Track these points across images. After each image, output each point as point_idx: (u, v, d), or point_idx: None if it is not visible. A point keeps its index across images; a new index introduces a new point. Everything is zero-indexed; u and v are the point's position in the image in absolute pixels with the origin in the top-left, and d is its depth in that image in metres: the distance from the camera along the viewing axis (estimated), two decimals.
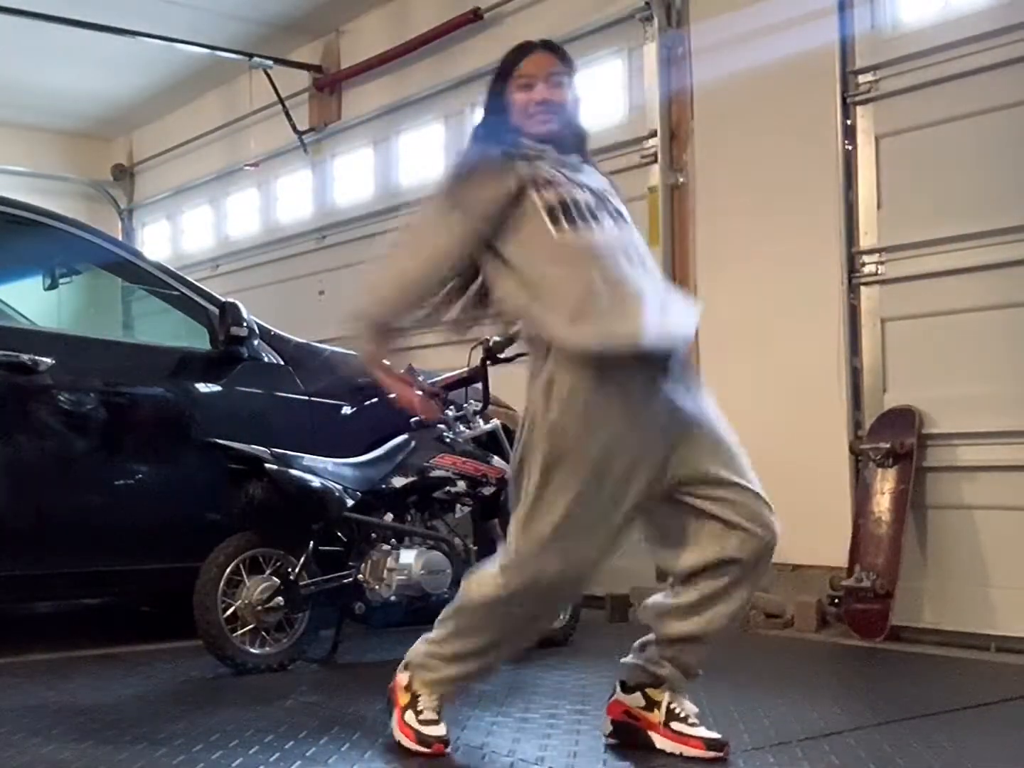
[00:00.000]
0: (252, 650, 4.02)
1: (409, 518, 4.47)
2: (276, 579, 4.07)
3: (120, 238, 8.72)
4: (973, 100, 4.63)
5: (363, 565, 4.27)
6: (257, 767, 2.80)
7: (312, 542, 4.16)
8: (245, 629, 4.01)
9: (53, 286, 5.42)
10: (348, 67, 7.89)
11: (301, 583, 4.09)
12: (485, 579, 2.87)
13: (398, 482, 4.40)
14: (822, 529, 5.06)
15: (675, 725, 2.88)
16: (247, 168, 8.68)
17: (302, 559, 4.11)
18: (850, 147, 5.07)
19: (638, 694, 2.94)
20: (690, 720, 2.89)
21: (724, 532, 2.79)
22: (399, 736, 2.94)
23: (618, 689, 2.99)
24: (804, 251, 5.19)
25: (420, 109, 7.37)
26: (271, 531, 4.14)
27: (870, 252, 5.01)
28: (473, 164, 2.93)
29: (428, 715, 2.92)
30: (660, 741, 2.89)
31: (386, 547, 4.30)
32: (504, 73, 3.00)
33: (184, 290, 4.88)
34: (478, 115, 3.10)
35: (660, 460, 2.77)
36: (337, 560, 4.27)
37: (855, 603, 4.76)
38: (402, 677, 2.99)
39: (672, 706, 2.89)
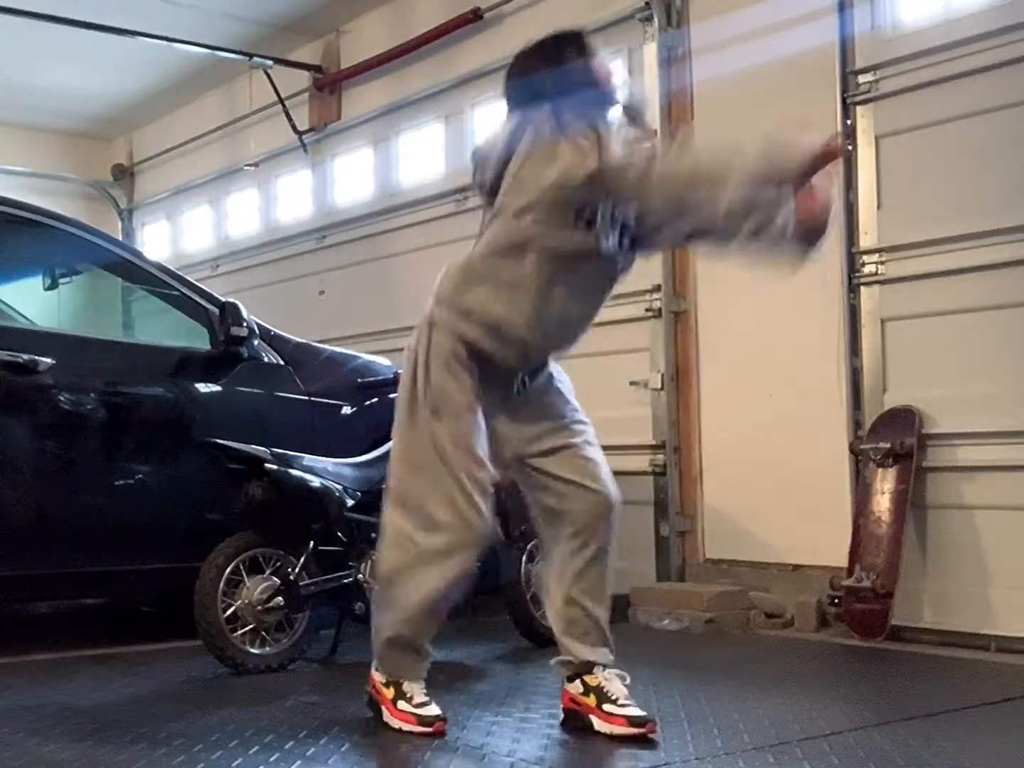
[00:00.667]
0: (252, 650, 4.02)
1: None
2: (276, 579, 4.07)
3: (120, 238, 8.72)
4: (973, 100, 4.63)
5: (363, 565, 4.27)
6: (257, 767, 2.80)
7: (312, 542, 4.16)
8: (245, 629, 4.01)
9: (53, 286, 5.42)
10: (348, 67, 7.89)
11: (301, 583, 4.09)
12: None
13: None
14: (822, 529, 5.06)
15: (606, 706, 3.08)
16: (247, 168, 8.68)
17: (302, 559, 4.11)
18: (850, 147, 5.07)
19: (577, 682, 3.15)
20: (620, 701, 3.09)
21: (561, 500, 3.15)
22: (398, 724, 3.06)
23: (564, 680, 3.21)
24: None
25: (420, 109, 7.37)
26: (271, 531, 4.14)
27: (870, 252, 5.01)
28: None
29: (419, 698, 3.09)
30: (596, 723, 3.09)
31: None
32: (590, 53, 3.23)
33: (184, 290, 4.88)
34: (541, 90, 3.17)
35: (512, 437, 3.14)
36: (337, 560, 4.27)
37: (855, 603, 4.76)
38: (377, 675, 3.16)
39: (604, 689, 3.10)
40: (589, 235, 2.98)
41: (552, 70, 3.15)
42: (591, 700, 3.11)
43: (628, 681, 3.16)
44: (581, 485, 3.12)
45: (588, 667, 3.14)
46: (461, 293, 3.08)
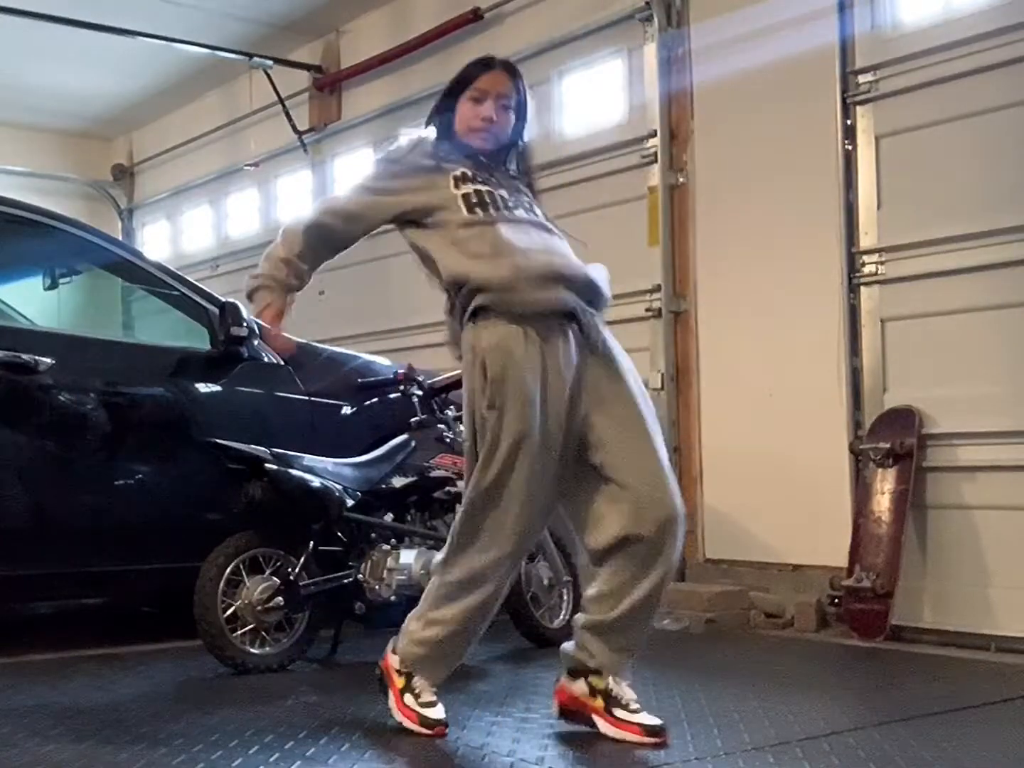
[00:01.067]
0: (252, 650, 4.02)
1: (409, 518, 4.47)
2: (276, 579, 4.07)
3: (120, 238, 8.72)
4: (973, 100, 4.63)
5: (363, 565, 4.27)
6: (257, 767, 2.80)
7: (312, 542, 4.16)
8: (245, 629, 4.01)
9: (53, 286, 5.42)
10: (348, 67, 7.89)
11: (301, 583, 4.09)
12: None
13: (398, 482, 4.41)
14: (822, 529, 5.06)
15: (616, 711, 3.01)
16: (247, 168, 8.68)
17: (302, 559, 4.11)
18: (850, 147, 5.07)
19: (581, 681, 3.07)
20: (631, 707, 3.01)
21: (626, 509, 2.92)
22: (400, 718, 3.08)
23: (564, 675, 3.13)
24: (804, 251, 5.19)
25: (420, 109, 7.30)
26: (271, 531, 4.14)
27: (870, 252, 5.01)
28: (400, 161, 3.18)
29: (427, 697, 3.08)
30: (603, 726, 3.03)
31: (386, 547, 4.30)
32: (463, 81, 3.18)
33: (184, 290, 4.88)
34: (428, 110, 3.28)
35: (577, 409, 2.95)
36: (337, 560, 4.27)
37: (855, 603, 4.76)
38: (393, 658, 3.14)
39: (613, 693, 3.02)
40: (486, 214, 3.03)
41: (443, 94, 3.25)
42: (598, 703, 3.04)
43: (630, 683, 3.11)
44: (648, 496, 2.93)
45: (597, 669, 3.05)
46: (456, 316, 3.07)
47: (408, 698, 3.09)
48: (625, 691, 3.04)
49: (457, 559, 3.04)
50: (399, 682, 3.11)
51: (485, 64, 3.19)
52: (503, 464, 2.91)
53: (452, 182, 3.06)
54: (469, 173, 3.08)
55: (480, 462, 2.95)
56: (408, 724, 3.07)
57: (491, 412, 2.91)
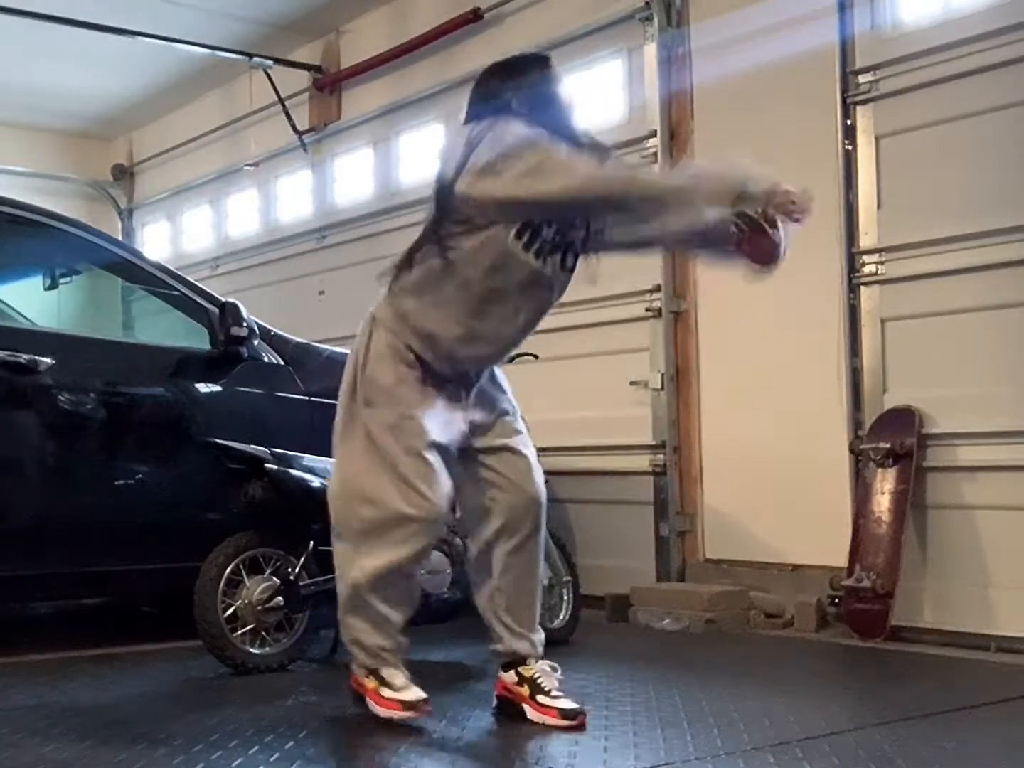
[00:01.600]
0: (252, 650, 4.02)
1: None
2: (276, 579, 4.07)
3: (120, 238, 8.72)
4: (973, 100, 4.63)
5: None
6: (257, 767, 2.80)
7: (312, 542, 4.16)
8: (245, 629, 4.01)
9: (53, 286, 5.42)
10: (348, 67, 7.89)
11: (301, 583, 4.09)
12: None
13: None
14: (822, 529, 5.06)
15: (539, 698, 3.19)
16: (247, 168, 8.68)
17: (302, 559, 4.11)
18: (850, 147, 5.07)
19: (512, 672, 3.27)
20: (552, 693, 3.20)
21: (494, 502, 3.23)
22: (387, 713, 3.13)
23: (500, 669, 3.33)
24: (804, 251, 5.16)
25: (420, 109, 7.37)
26: (271, 531, 4.14)
27: (870, 252, 5.01)
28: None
29: (400, 681, 3.18)
30: (529, 712, 3.20)
31: None
32: (556, 77, 3.22)
33: (184, 290, 4.88)
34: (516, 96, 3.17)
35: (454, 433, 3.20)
36: None
37: (855, 603, 4.76)
38: (357, 671, 3.24)
39: (538, 680, 3.22)
40: (527, 255, 3.06)
41: (514, 88, 3.17)
42: (525, 690, 3.22)
43: (560, 673, 3.30)
44: (516, 483, 3.24)
45: (522, 658, 3.26)
46: (400, 298, 3.23)
47: (385, 691, 3.16)
48: (549, 680, 3.23)
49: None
50: (371, 684, 3.19)
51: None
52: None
53: None
54: None
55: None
56: (395, 715, 3.13)
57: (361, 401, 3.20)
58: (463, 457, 3.27)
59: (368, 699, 3.19)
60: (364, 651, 3.21)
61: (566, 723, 3.14)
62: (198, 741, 3.01)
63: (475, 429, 3.25)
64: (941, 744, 3.00)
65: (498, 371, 3.37)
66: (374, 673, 3.19)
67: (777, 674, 4.10)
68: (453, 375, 3.20)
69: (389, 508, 3.08)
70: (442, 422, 3.17)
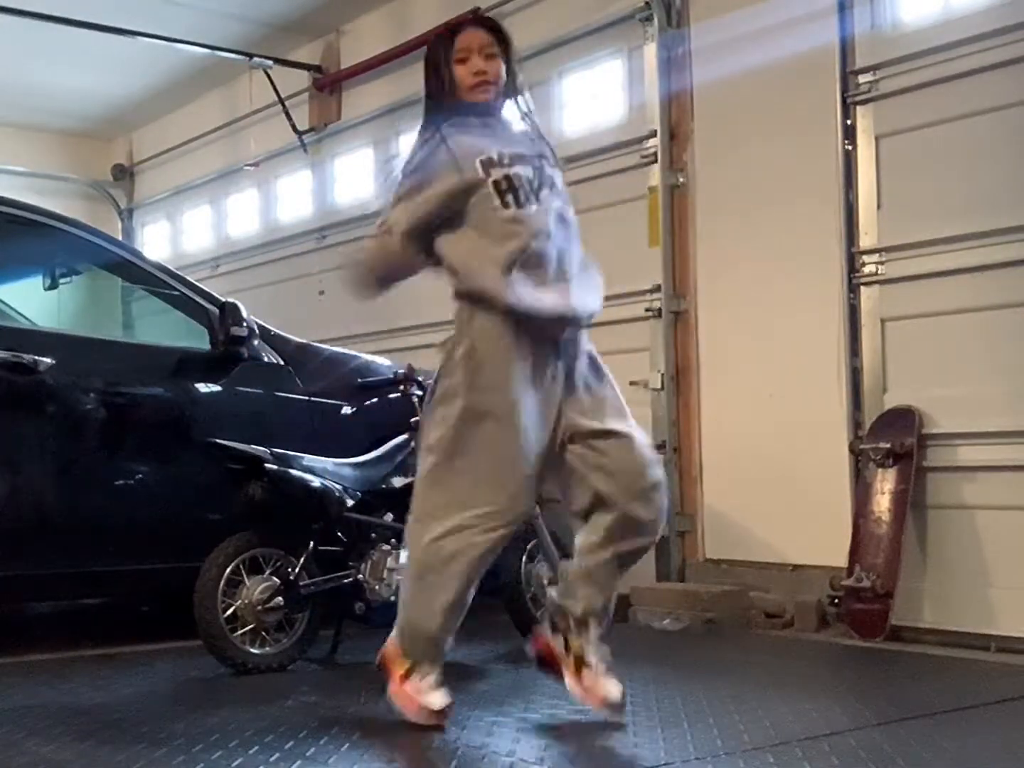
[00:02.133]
0: (252, 650, 4.02)
1: None
2: (276, 579, 4.07)
3: (120, 238, 8.72)
4: (973, 100, 4.63)
5: (363, 565, 4.27)
6: (257, 767, 2.80)
7: (312, 542, 4.16)
8: (245, 629, 4.01)
9: (53, 286, 5.42)
10: (348, 67, 7.89)
11: (301, 583, 4.09)
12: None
13: (398, 482, 4.40)
14: (822, 529, 5.06)
15: (584, 672, 3.19)
16: (247, 168, 8.68)
17: (302, 559, 4.11)
18: (850, 147, 5.07)
19: (560, 637, 3.25)
20: (598, 669, 3.19)
21: (599, 479, 3.11)
22: (399, 705, 3.11)
23: (547, 627, 3.30)
24: (804, 251, 5.20)
25: (420, 109, 7.35)
26: (271, 531, 4.14)
27: (870, 252, 5.01)
28: (424, 166, 3.20)
29: (430, 681, 3.11)
30: (570, 683, 3.22)
31: (386, 547, 4.30)
32: (446, 46, 3.25)
33: (184, 290, 4.88)
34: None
35: (555, 417, 3.11)
36: (337, 560, 4.27)
37: (855, 603, 4.76)
38: (392, 647, 3.17)
39: (584, 655, 3.19)
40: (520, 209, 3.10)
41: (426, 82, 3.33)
42: (569, 660, 3.21)
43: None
44: (631, 470, 3.12)
45: (580, 627, 3.20)
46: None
47: (412, 682, 3.11)
48: (594, 658, 3.18)
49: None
50: (401, 667, 3.13)
51: (458, 25, 3.29)
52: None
53: (480, 167, 3.10)
54: (495, 157, 3.12)
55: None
56: (406, 712, 3.10)
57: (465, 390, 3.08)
58: (574, 444, 3.15)
59: (391, 682, 3.13)
60: (414, 642, 3.13)
61: (605, 711, 3.17)
62: (198, 741, 3.01)
63: (588, 411, 3.14)
64: (941, 744, 2.99)
65: (604, 368, 3.26)
66: (413, 663, 3.12)
67: (777, 674, 4.10)
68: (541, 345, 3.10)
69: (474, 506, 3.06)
70: (551, 407, 3.10)
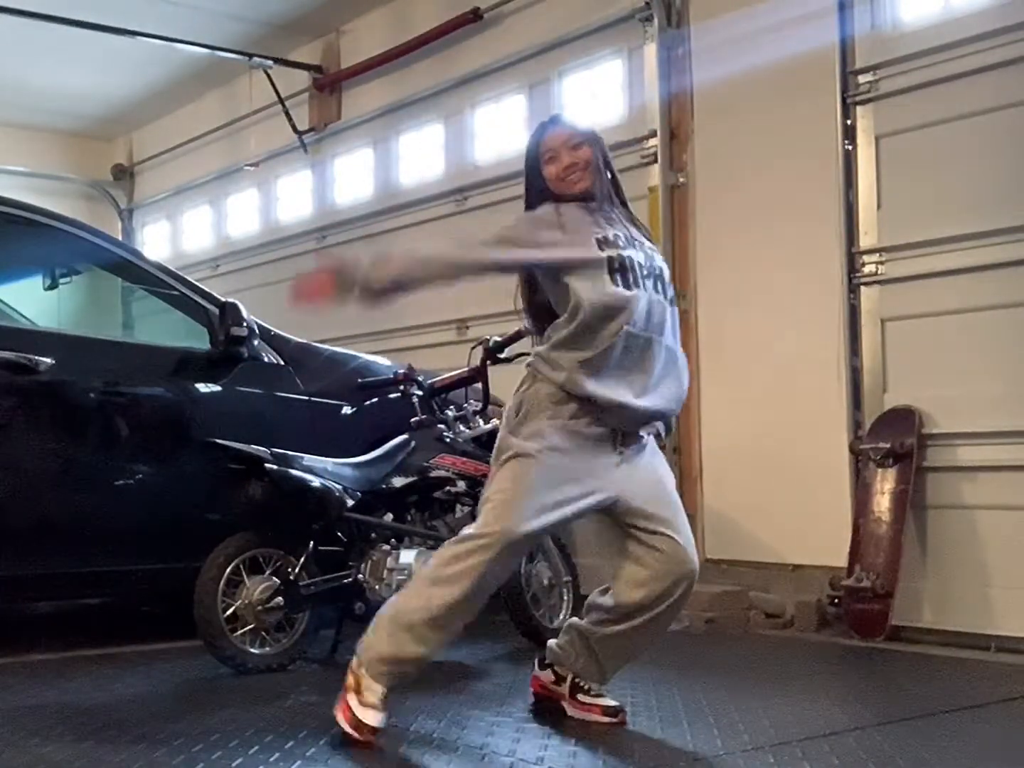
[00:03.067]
0: (252, 650, 4.02)
1: (409, 518, 4.47)
2: (276, 579, 4.07)
3: (120, 238, 8.72)
4: (973, 100, 4.63)
5: (363, 565, 4.27)
6: (257, 767, 2.80)
7: (312, 542, 4.16)
8: (245, 629, 4.01)
9: (53, 286, 5.42)
10: (348, 67, 7.89)
11: (301, 583, 4.09)
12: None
13: (398, 482, 4.40)
14: (822, 529, 5.06)
15: (580, 696, 3.28)
16: (247, 168, 8.68)
17: (302, 559, 4.11)
18: (850, 147, 5.07)
19: (548, 670, 3.36)
20: (592, 691, 3.29)
21: (650, 577, 3.10)
22: (339, 715, 3.02)
23: (536, 666, 3.41)
24: (804, 251, 5.20)
25: (420, 109, 7.38)
26: (271, 531, 4.14)
27: (870, 252, 5.01)
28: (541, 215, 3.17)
29: (372, 698, 3.01)
30: (570, 709, 3.30)
31: (386, 547, 4.30)
32: (532, 155, 3.25)
33: (184, 290, 4.88)
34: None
35: (607, 497, 3.09)
36: (337, 560, 4.27)
37: (855, 603, 4.76)
38: (355, 660, 3.08)
39: (576, 680, 3.28)
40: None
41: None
42: (563, 689, 3.30)
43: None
44: (669, 566, 3.11)
45: (567, 662, 3.30)
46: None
47: (350, 697, 3.03)
48: (375, 688, 3.07)
49: None
50: (350, 682, 3.05)
51: (542, 128, 3.27)
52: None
53: (595, 243, 3.07)
54: (609, 236, 3.09)
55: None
56: (342, 722, 3.00)
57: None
58: (620, 520, 3.16)
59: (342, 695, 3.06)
60: (382, 670, 3.03)
61: (608, 719, 3.22)
62: (198, 741, 3.01)
63: (637, 495, 3.12)
64: (941, 744, 3.00)
65: (661, 457, 3.28)
66: (358, 678, 3.03)
67: (777, 674, 4.10)
68: (609, 422, 3.09)
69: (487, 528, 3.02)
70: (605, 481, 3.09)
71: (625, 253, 3.07)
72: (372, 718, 2.99)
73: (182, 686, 3.90)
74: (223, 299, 4.78)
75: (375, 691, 3.01)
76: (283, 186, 8.74)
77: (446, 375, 4.75)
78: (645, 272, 3.09)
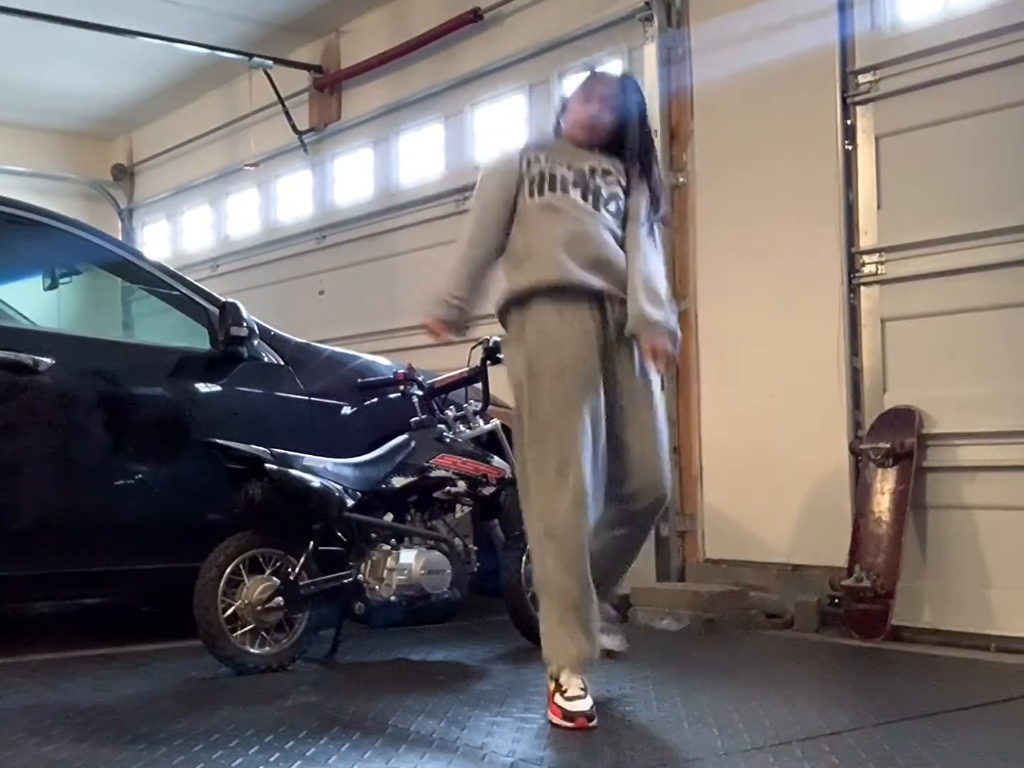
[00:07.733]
0: (252, 650, 4.01)
1: (409, 518, 4.47)
2: (276, 579, 4.06)
3: (120, 238, 8.72)
4: (973, 100, 4.63)
5: (363, 565, 4.27)
6: (257, 767, 2.80)
7: (312, 542, 4.16)
8: (245, 629, 4.00)
9: (53, 286, 5.42)
10: (348, 67, 7.90)
11: (301, 583, 4.08)
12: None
13: (398, 482, 4.40)
14: (822, 529, 5.07)
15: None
16: (247, 168, 8.68)
17: (302, 559, 4.10)
18: (850, 147, 5.07)
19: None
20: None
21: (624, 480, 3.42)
22: (552, 717, 3.21)
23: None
24: (804, 251, 5.20)
25: (420, 109, 7.38)
26: (271, 531, 4.13)
27: (870, 252, 5.01)
28: (492, 162, 3.68)
29: (573, 691, 3.21)
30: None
31: (386, 547, 4.30)
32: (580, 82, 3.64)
33: (184, 290, 4.87)
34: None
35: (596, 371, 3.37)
36: (337, 560, 4.27)
37: (855, 603, 4.76)
38: (547, 668, 3.31)
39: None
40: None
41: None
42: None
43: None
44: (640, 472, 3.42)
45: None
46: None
47: (557, 697, 3.22)
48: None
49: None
50: (550, 687, 3.27)
51: (595, 73, 3.75)
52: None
53: (524, 164, 3.46)
54: (541, 156, 3.47)
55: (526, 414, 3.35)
56: (555, 720, 3.19)
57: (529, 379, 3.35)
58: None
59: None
60: (556, 640, 3.35)
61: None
62: (198, 741, 3.01)
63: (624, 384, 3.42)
64: (941, 744, 2.99)
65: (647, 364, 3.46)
66: (555, 679, 3.27)
67: (777, 674, 4.10)
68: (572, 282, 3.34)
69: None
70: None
71: (549, 171, 3.42)
72: (579, 705, 3.18)
73: (182, 686, 3.90)
74: (223, 299, 4.78)
75: (575, 682, 3.23)
76: (283, 186, 8.75)
77: (446, 375, 4.75)
78: (572, 182, 3.41)
